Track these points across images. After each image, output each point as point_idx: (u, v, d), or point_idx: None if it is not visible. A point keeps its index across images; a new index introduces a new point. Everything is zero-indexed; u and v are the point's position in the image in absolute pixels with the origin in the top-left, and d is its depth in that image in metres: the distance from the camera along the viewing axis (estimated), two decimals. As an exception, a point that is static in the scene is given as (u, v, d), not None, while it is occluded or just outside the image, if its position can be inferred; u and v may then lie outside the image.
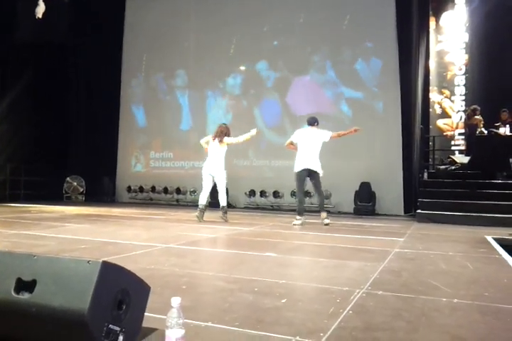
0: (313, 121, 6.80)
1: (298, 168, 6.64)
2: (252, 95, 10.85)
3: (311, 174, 6.64)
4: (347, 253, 4.01)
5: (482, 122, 8.29)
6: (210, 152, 6.84)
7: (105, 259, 1.53)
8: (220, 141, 6.76)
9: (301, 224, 6.42)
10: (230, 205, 10.21)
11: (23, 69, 10.63)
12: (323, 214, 6.60)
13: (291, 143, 6.84)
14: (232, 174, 10.55)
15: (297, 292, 2.55)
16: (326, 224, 6.45)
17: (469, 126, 8.53)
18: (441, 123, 9.82)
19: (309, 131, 6.76)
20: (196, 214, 6.63)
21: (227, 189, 10.11)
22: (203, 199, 6.80)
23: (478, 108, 8.36)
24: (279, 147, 9.89)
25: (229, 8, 10.90)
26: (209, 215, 6.84)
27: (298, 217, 6.54)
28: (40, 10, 9.10)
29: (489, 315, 2.15)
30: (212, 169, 6.77)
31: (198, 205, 6.81)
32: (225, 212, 6.76)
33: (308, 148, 6.63)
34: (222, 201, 6.81)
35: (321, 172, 6.60)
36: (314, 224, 6.63)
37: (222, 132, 6.81)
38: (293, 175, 6.74)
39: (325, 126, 7.11)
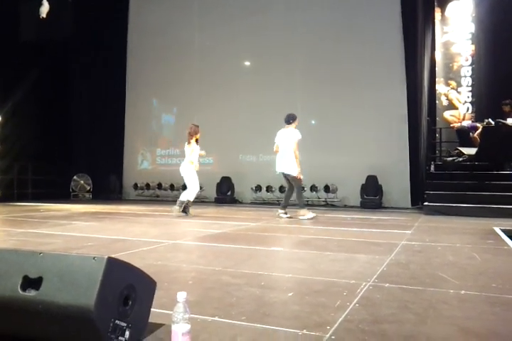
0: (287, 119, 6.66)
1: (277, 169, 6.72)
2: (257, 91, 10.79)
3: (285, 175, 6.66)
4: (354, 246, 4.00)
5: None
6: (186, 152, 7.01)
7: (112, 256, 1.53)
8: (188, 143, 6.93)
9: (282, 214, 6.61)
10: (236, 201, 10.32)
11: (27, 69, 10.65)
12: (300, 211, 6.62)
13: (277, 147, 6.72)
14: (238, 169, 10.62)
15: (304, 286, 2.55)
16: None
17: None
18: (448, 114, 9.73)
19: (283, 131, 6.67)
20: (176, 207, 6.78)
21: (233, 184, 10.28)
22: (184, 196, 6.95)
23: None
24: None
25: (232, 7, 10.85)
26: (218, 211, 6.86)
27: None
28: (45, 9, 9.12)
29: (498, 307, 2.14)
30: (182, 169, 6.94)
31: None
32: (181, 206, 6.79)
33: (281, 149, 6.59)
34: (183, 197, 6.90)
35: (293, 173, 6.49)
36: (321, 218, 6.63)
37: (190, 133, 6.96)
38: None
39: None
